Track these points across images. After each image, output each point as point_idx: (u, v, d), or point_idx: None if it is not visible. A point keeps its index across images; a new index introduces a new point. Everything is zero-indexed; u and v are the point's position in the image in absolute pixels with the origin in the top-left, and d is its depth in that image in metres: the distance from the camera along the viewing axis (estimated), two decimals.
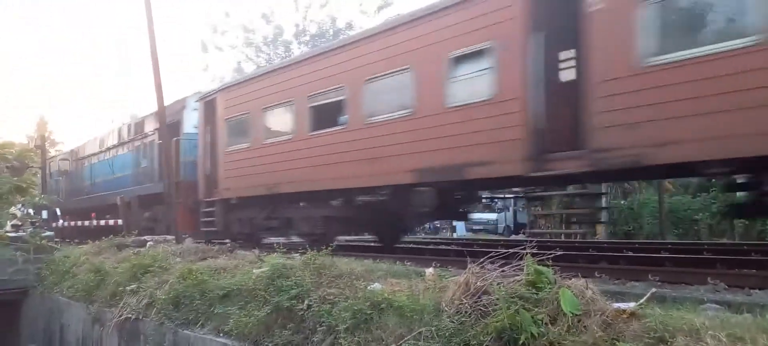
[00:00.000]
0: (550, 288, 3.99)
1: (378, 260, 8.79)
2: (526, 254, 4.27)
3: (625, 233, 16.79)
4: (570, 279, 4.07)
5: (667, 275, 6.68)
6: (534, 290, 4.01)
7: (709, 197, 16.37)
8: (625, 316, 3.66)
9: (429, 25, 8.80)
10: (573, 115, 7.20)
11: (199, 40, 52.76)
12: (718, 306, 4.59)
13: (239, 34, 31.96)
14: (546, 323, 3.75)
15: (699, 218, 16.37)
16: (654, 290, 4.80)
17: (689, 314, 3.73)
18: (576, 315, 3.74)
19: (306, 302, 5.47)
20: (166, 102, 13.11)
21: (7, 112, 70.73)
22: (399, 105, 9.15)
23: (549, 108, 7.58)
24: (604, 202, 12.55)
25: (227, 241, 12.66)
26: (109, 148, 19.54)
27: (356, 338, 4.74)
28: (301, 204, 11.64)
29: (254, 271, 6.64)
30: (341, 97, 10.07)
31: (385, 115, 9.37)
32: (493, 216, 25.22)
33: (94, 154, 20.90)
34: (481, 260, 4.57)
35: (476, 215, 23.52)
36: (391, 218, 10.78)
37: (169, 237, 12.48)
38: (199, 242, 11.77)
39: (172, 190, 13.06)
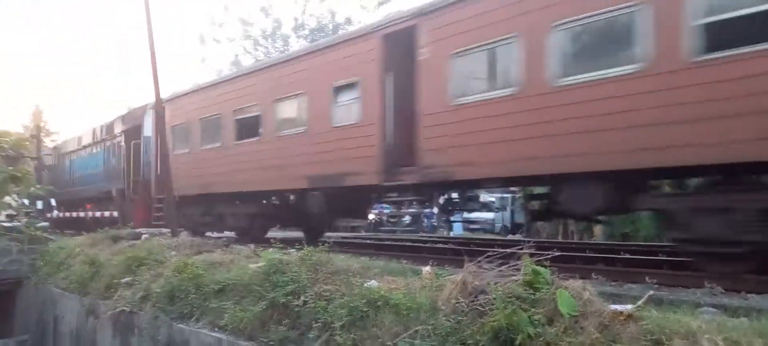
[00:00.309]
0: (547, 289, 3.98)
1: (375, 258, 8.82)
2: (524, 254, 4.26)
3: (622, 235, 16.80)
4: (567, 280, 4.06)
5: (664, 278, 6.69)
6: (531, 291, 4.00)
7: None
8: (622, 318, 3.65)
9: (320, 58, 10.93)
10: (411, 139, 9.24)
11: (197, 33, 52.56)
12: (714, 309, 4.60)
13: (237, 27, 31.90)
14: (543, 324, 3.74)
15: None
16: (651, 292, 4.81)
17: (686, 317, 3.73)
18: (573, 316, 3.73)
19: (302, 298, 5.45)
20: (161, 95, 13.10)
21: (7, 112, 70.37)
22: (298, 123, 11.26)
23: (397, 132, 9.71)
24: None
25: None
26: (85, 146, 21.42)
27: (352, 335, 4.72)
28: (237, 203, 13.47)
29: (250, 266, 6.63)
30: (258, 113, 12.17)
31: (289, 131, 11.43)
32: (490, 216, 25.21)
33: (73, 151, 22.77)
34: (479, 259, 4.56)
35: (473, 215, 23.52)
36: (299, 216, 12.72)
37: (164, 230, 12.44)
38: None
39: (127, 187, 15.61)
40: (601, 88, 6.93)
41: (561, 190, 8.00)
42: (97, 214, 18.93)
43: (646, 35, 6.57)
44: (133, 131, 17.42)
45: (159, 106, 12.09)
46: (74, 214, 21.16)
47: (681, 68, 6.31)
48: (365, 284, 5.32)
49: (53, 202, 22.41)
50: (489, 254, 4.64)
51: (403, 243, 12.88)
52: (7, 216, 17.93)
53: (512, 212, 24.46)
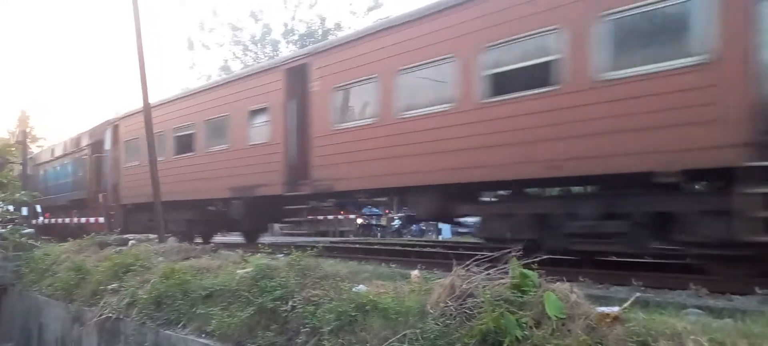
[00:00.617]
0: (534, 292, 4.00)
1: (363, 262, 8.82)
2: (512, 257, 4.28)
3: None
4: (554, 283, 4.07)
5: (650, 280, 6.75)
6: (519, 294, 4.01)
7: None
8: (608, 320, 3.67)
9: (239, 85, 13.13)
10: (306, 157, 11.20)
11: (185, 38, 52.25)
12: (699, 311, 4.65)
13: (227, 32, 31.75)
14: (530, 327, 3.75)
15: None
16: (637, 294, 4.84)
17: (671, 318, 3.76)
18: (560, 319, 3.74)
19: (290, 303, 5.42)
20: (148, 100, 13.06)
21: None
22: (223, 141, 13.30)
23: (298, 151, 11.53)
24: None
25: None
26: (57, 158, 23.43)
27: (340, 340, 4.71)
28: (179, 209, 14.92)
29: (238, 271, 6.58)
30: (192, 131, 14.31)
31: (216, 147, 13.52)
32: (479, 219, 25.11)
33: (47, 162, 24.86)
34: (467, 262, 4.56)
35: (462, 219, 23.48)
36: (227, 222, 14.54)
37: (151, 236, 12.39)
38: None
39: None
40: (428, 120, 8.95)
41: (407, 200, 10.41)
42: (83, 220, 19.26)
43: (455, 82, 8.61)
44: (97, 145, 19.51)
45: (147, 112, 12.02)
46: (60, 220, 21.66)
47: (474, 108, 8.34)
48: (354, 289, 5.31)
49: (39, 208, 22.24)
50: (477, 257, 4.65)
51: (392, 247, 12.89)
52: None
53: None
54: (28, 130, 40.37)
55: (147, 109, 12.06)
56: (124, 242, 11.70)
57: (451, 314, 4.15)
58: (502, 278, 4.27)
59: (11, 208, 19.13)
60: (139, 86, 11.99)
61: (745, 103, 6.00)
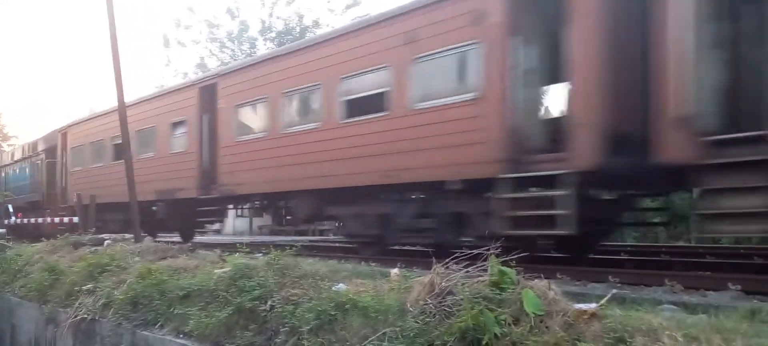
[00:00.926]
0: (513, 289, 4.01)
1: (343, 261, 8.81)
2: (491, 255, 4.30)
3: None
4: (533, 280, 4.10)
5: (626, 277, 6.85)
6: (498, 291, 4.03)
7: (664, 202, 16.78)
8: (586, 316, 3.71)
9: (164, 100, 15.25)
10: (216, 165, 13.16)
11: (161, 35, 51.51)
12: (674, 307, 4.72)
13: (203, 29, 31.35)
14: (509, 324, 3.77)
15: (657, 222, 16.79)
16: (614, 291, 4.90)
17: (647, 314, 3.81)
18: (538, 316, 3.76)
19: (269, 302, 5.38)
20: (124, 99, 12.93)
21: None
22: (150, 149, 15.30)
23: (210, 159, 13.43)
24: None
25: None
26: (17, 161, 25.14)
27: (320, 339, 4.69)
28: (115, 210, 16.51)
29: (216, 271, 6.51)
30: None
31: (145, 155, 15.28)
32: None
33: (8, 165, 26.36)
34: (446, 260, 4.58)
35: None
36: (155, 221, 15.70)
37: (127, 236, 12.23)
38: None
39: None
40: (304, 136, 10.95)
41: (290, 203, 12.54)
42: (56, 220, 19.12)
43: (322, 105, 10.71)
44: (51, 150, 21.17)
45: (122, 111, 11.87)
46: (33, 220, 21.38)
47: (335, 127, 10.35)
48: (333, 288, 5.29)
49: (11, 208, 21.91)
50: (457, 255, 4.66)
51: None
52: None
53: None
54: None
55: (122, 110, 12.08)
56: (100, 242, 11.52)
57: (430, 312, 4.15)
58: (481, 276, 4.29)
59: None
60: (114, 84, 11.82)
61: (500, 129, 7.87)
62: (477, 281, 4.22)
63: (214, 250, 9.75)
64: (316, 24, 30.04)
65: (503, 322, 3.77)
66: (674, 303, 4.98)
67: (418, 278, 4.73)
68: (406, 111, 9.10)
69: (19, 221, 21.62)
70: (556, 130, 8.06)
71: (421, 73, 8.94)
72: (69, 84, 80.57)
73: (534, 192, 7.75)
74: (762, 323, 3.72)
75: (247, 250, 7.19)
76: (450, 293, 4.20)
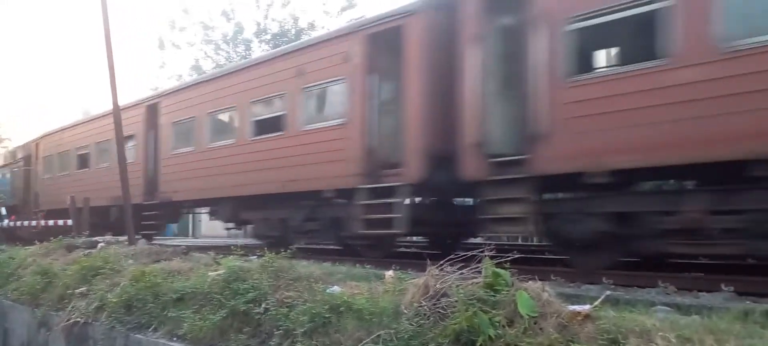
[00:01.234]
0: (507, 291, 4.02)
1: (338, 263, 8.80)
2: (485, 256, 4.30)
3: None
4: (527, 282, 4.10)
5: (620, 278, 6.87)
6: (492, 293, 4.04)
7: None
8: (580, 318, 3.72)
9: (103, 120, 16.83)
10: (157, 175, 15.19)
11: (156, 37, 51.26)
12: (668, 308, 4.74)
13: (198, 31, 31.20)
14: (503, 326, 3.78)
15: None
16: (608, 292, 4.92)
17: (641, 315, 3.82)
18: (532, 317, 3.77)
19: (263, 305, 5.37)
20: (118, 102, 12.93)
21: None
22: (106, 159, 17.13)
23: (155, 169, 15.37)
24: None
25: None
26: (1, 167, 27.03)
27: (314, 342, 4.68)
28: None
29: (210, 274, 6.49)
30: (88, 151, 18.65)
31: (102, 165, 17.48)
32: None
33: None
34: (441, 262, 4.58)
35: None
36: (111, 224, 16.74)
37: (121, 238, 12.18)
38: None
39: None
40: (223, 150, 12.97)
41: (217, 208, 14.12)
42: (50, 223, 19.04)
43: (237, 124, 12.86)
44: (27, 159, 23.14)
45: (116, 114, 11.87)
46: (43, 223, 21.80)
47: (246, 143, 12.36)
48: (328, 290, 5.28)
49: (3, 210, 21.81)
50: (451, 257, 4.66)
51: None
52: None
53: None
54: None
55: (116, 113, 12.04)
56: (93, 245, 11.45)
57: (425, 314, 4.16)
58: (476, 278, 4.29)
59: None
60: (109, 86, 11.78)
61: (361, 148, 9.77)
62: (471, 283, 4.23)
63: (208, 252, 9.72)
64: (312, 26, 29.94)
65: (497, 324, 3.78)
66: (668, 304, 5.00)
67: (413, 280, 4.73)
68: (297, 131, 11.08)
69: (12, 223, 21.51)
70: (400, 150, 9.65)
71: (308, 100, 11.06)
72: (69, 84, 79.92)
73: (381, 200, 9.39)
74: (754, 324, 3.74)
75: (242, 252, 7.17)
76: (444, 295, 4.20)
